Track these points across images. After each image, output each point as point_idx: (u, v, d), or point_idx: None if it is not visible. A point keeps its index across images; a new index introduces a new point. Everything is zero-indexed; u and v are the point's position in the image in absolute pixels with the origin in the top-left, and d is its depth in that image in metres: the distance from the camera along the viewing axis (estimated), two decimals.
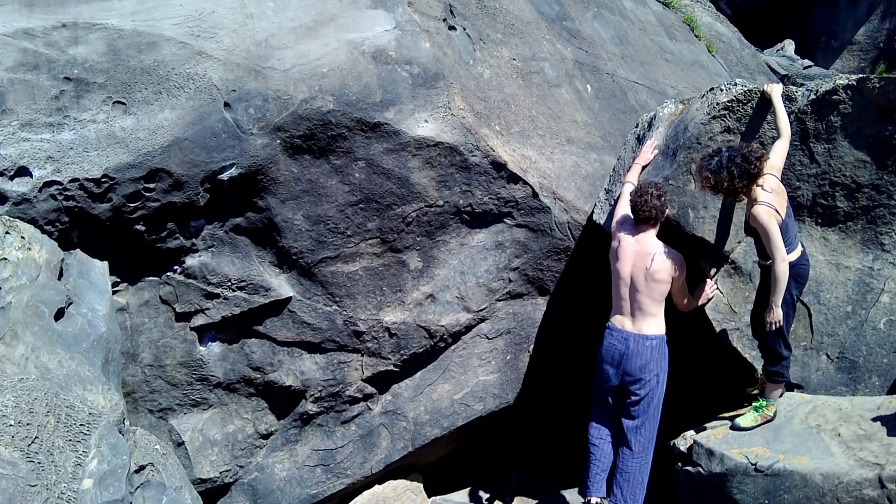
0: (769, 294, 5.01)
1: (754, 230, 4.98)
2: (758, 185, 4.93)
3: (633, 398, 5.48)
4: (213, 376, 6.22)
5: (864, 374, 5.52)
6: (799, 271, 5.11)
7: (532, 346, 6.79)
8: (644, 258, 5.43)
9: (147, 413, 6.19)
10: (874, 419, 4.99)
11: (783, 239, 4.89)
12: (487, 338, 6.73)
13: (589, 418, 5.73)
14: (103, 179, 5.54)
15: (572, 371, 7.08)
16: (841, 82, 5.36)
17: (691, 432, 5.52)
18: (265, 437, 6.44)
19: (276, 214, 6.02)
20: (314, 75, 5.97)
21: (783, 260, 4.87)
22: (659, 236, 5.47)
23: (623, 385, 5.49)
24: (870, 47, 16.33)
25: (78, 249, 5.54)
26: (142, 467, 4.00)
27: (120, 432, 3.97)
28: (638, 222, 5.47)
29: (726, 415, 5.62)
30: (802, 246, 5.21)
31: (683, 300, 5.61)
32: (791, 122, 5.46)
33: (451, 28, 6.92)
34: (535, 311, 6.80)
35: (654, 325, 5.47)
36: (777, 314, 4.98)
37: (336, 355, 6.42)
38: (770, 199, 4.90)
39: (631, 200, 5.50)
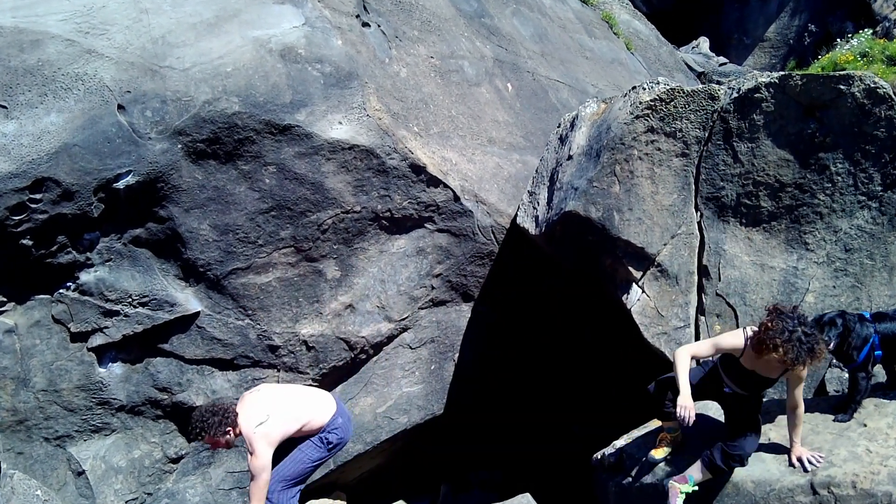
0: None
1: (774, 380, 4.42)
2: None
3: None
4: (115, 399, 5.77)
5: None
6: None
7: (457, 355, 6.59)
8: None
9: (42, 442, 5.70)
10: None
11: None
12: (411, 347, 6.49)
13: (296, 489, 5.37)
14: None
15: (499, 379, 6.90)
16: (763, 80, 5.29)
17: (620, 442, 5.37)
18: (175, 461, 6.03)
19: (180, 224, 5.61)
20: (217, 75, 5.58)
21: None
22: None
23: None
24: (780, 44, 16.77)
25: None
26: None
27: None
28: None
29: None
30: None
31: None
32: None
33: (365, 25, 6.62)
34: (460, 318, 6.60)
35: None
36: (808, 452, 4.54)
37: (250, 371, 6.06)
38: None
39: None
